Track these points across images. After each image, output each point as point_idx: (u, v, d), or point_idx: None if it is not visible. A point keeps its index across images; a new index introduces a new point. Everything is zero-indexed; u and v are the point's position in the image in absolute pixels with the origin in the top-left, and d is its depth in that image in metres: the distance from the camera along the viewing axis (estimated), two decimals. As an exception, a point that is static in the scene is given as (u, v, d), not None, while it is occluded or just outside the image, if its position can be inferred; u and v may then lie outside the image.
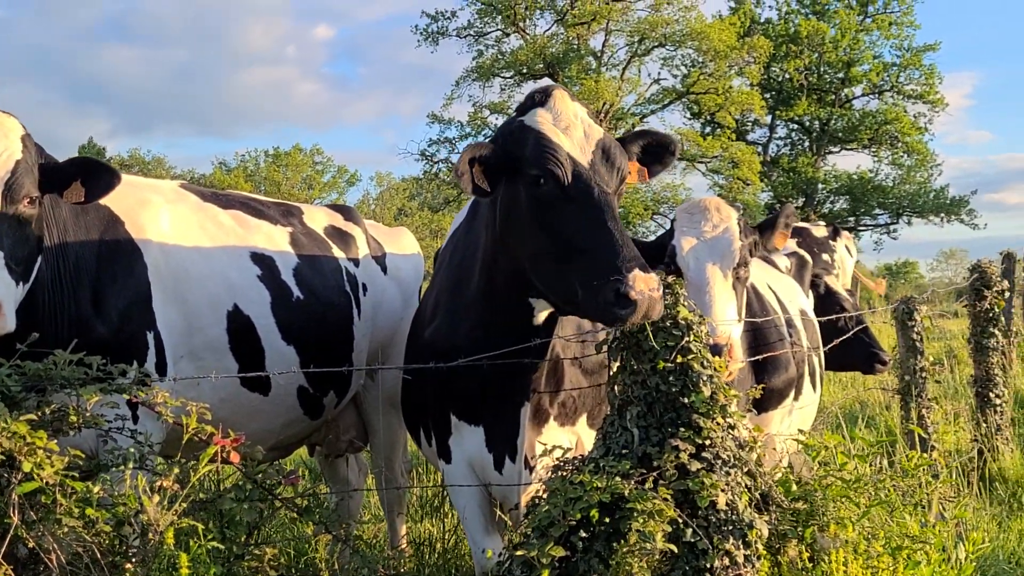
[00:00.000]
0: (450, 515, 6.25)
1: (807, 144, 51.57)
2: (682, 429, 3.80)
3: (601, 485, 3.66)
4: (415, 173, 62.82)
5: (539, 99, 4.03)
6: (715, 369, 3.88)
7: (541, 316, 4.13)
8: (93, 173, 4.33)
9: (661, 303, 3.60)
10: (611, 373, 4.02)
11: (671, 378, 3.84)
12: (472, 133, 45.89)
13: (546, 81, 45.08)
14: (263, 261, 5.20)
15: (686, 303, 3.93)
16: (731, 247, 4.97)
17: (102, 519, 3.66)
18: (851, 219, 51.33)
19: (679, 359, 3.83)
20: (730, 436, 3.84)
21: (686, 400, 3.81)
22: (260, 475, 3.98)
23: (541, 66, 44.41)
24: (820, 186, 49.96)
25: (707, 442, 3.77)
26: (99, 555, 3.69)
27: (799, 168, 48.94)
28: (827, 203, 51.28)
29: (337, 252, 5.74)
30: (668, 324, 3.86)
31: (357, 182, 74.66)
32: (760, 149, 49.79)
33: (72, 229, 4.51)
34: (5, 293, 3.92)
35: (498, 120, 45.82)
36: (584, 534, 3.72)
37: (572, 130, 3.90)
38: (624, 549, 3.68)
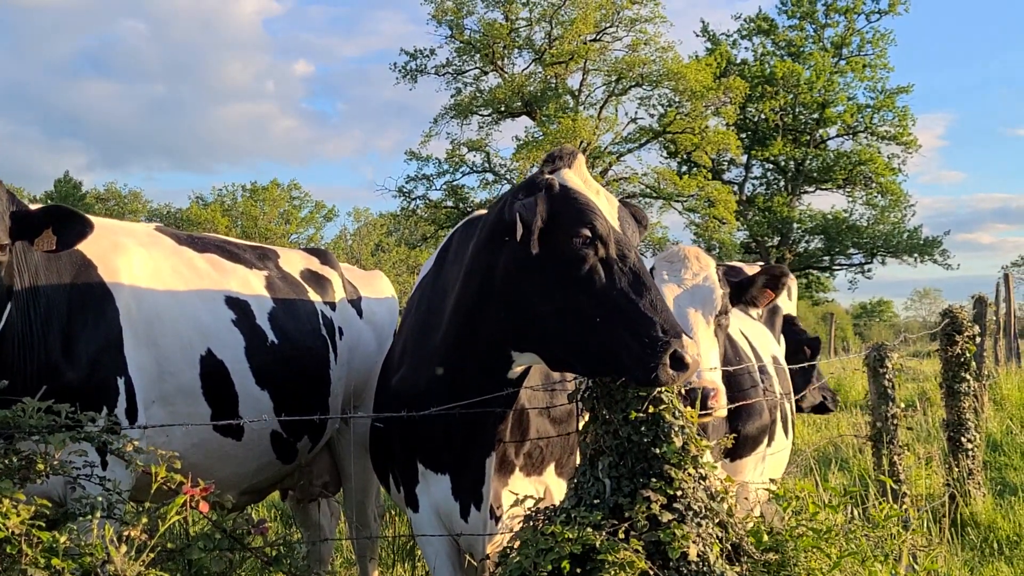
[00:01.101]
0: (421, 562, 6.21)
1: (782, 184, 51.96)
2: (653, 480, 3.80)
3: (572, 536, 3.65)
4: (393, 209, 63.00)
5: (563, 159, 3.99)
6: (687, 419, 3.89)
7: (518, 369, 4.14)
8: (66, 221, 4.30)
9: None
10: (583, 423, 4.03)
11: (643, 428, 3.84)
12: (449, 170, 46.02)
13: (523, 119, 45.35)
14: (238, 305, 5.18)
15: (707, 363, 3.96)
16: (712, 295, 5.01)
17: (68, 569, 3.62)
18: (826, 258, 51.71)
19: (651, 409, 3.84)
20: (701, 487, 3.84)
21: (657, 451, 3.81)
22: (229, 524, 3.95)
23: (519, 104, 44.66)
24: (795, 225, 50.30)
25: (678, 493, 3.77)
26: (65, 606, 3.65)
27: (774, 207, 49.27)
28: (802, 242, 51.62)
29: (313, 296, 5.74)
30: (640, 374, 3.87)
31: (335, 217, 74.58)
32: (736, 188, 50.10)
33: (43, 273, 4.48)
34: None
35: (475, 157, 46.02)
36: (555, 584, 3.72)
37: (599, 195, 3.92)
38: (597, 601, 3.66)
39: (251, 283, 5.37)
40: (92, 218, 4.97)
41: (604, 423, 3.94)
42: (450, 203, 46.65)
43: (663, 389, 3.84)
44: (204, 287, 5.08)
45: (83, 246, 4.63)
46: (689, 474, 3.81)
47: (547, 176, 3.89)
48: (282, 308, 5.40)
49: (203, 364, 4.89)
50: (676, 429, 3.84)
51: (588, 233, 3.77)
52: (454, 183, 46.50)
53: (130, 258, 4.84)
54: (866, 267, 51.52)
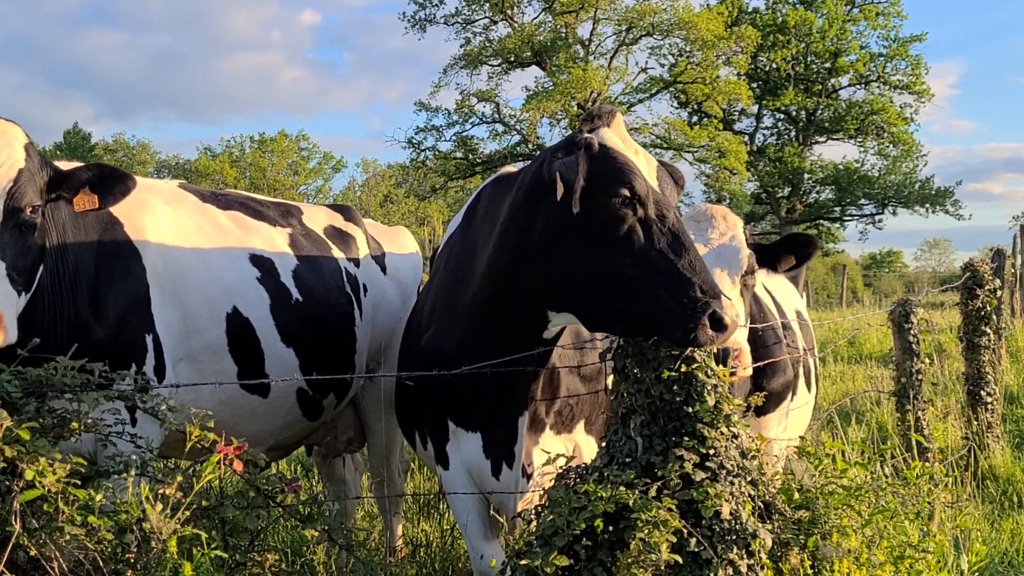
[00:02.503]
0: (446, 516, 6.25)
1: (793, 134, 51.69)
2: (686, 439, 3.79)
3: (606, 495, 3.65)
4: (401, 160, 62.81)
5: (603, 119, 3.94)
6: (719, 378, 3.88)
7: (554, 329, 4.14)
8: (106, 179, 4.29)
9: None
10: (614, 382, 4.02)
11: (675, 387, 3.83)
12: (459, 121, 45.81)
13: (533, 69, 45.00)
14: (262, 263, 5.17)
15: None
16: (739, 255, 4.99)
17: (104, 527, 3.65)
18: (836, 209, 51.55)
19: (683, 368, 3.83)
20: (733, 445, 3.84)
21: (690, 410, 3.80)
22: (262, 482, 3.97)
23: (529, 54, 44.35)
24: (806, 176, 50.12)
25: (711, 452, 3.77)
26: (101, 563, 3.69)
27: (785, 158, 49.05)
28: (813, 193, 51.46)
29: (337, 253, 5.72)
30: (673, 333, 3.86)
31: (343, 169, 74.75)
32: (747, 139, 49.89)
33: (71, 231, 4.47)
34: (6, 305, 3.88)
35: (485, 108, 45.80)
36: (587, 543, 3.73)
37: (638, 155, 3.89)
38: (628, 559, 3.69)
39: (275, 240, 5.36)
40: None
41: (635, 382, 3.92)
42: (459, 154, 46.52)
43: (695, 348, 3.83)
44: (229, 245, 5.07)
45: None
46: (722, 433, 3.80)
47: (587, 135, 3.84)
48: (306, 265, 5.39)
49: (229, 322, 4.89)
50: (709, 388, 3.83)
51: (627, 193, 3.73)
52: (464, 134, 46.34)
53: (155, 215, 4.82)
54: (877, 218, 51.37)
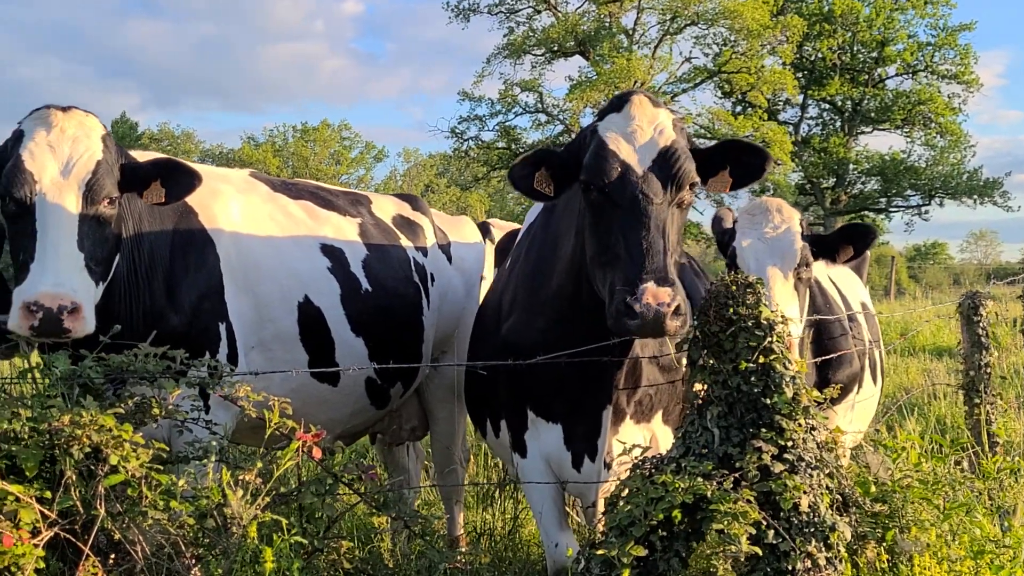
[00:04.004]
0: (510, 505, 6.27)
1: (839, 124, 51.10)
2: (764, 430, 3.79)
3: (684, 486, 3.65)
4: (443, 149, 62.88)
5: (615, 104, 4.04)
6: (797, 370, 3.86)
7: None
8: (174, 174, 4.34)
9: (675, 318, 3.60)
10: (691, 373, 4.01)
11: (753, 379, 3.83)
12: (502, 110, 45.74)
13: (576, 59, 44.84)
14: (332, 253, 5.21)
15: (767, 303, 3.91)
16: (792, 247, 4.95)
17: (186, 512, 3.70)
18: (882, 200, 50.96)
19: (761, 360, 3.82)
20: (812, 437, 3.82)
21: (768, 401, 3.79)
22: (339, 469, 4.00)
23: (572, 44, 44.16)
24: (851, 167, 49.55)
25: (789, 443, 3.76)
26: (182, 547, 3.74)
27: (830, 148, 48.51)
28: (858, 184, 50.91)
29: (405, 242, 5.75)
30: (750, 324, 3.85)
31: (384, 158, 74.76)
32: (791, 129, 49.38)
33: (147, 221, 4.52)
34: (85, 296, 3.91)
35: (528, 98, 45.71)
36: (663, 533, 3.73)
37: (637, 136, 3.89)
38: (707, 550, 3.69)
39: (345, 230, 5.39)
40: (191, 164, 5.03)
41: (712, 373, 3.92)
42: (502, 144, 46.46)
43: (774, 339, 3.82)
44: (300, 234, 5.11)
45: None
46: (800, 424, 3.79)
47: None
48: (375, 255, 5.42)
49: (300, 311, 4.93)
50: (787, 379, 3.82)
51: (586, 178, 3.91)
52: (507, 124, 46.25)
53: (228, 205, 4.87)
54: (924, 209, 50.73)
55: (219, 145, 69.50)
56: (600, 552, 3.71)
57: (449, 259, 6.04)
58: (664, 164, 3.86)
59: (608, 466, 4.40)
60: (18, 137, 4.12)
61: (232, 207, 4.88)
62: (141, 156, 4.47)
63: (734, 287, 3.92)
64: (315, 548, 3.89)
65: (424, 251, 5.85)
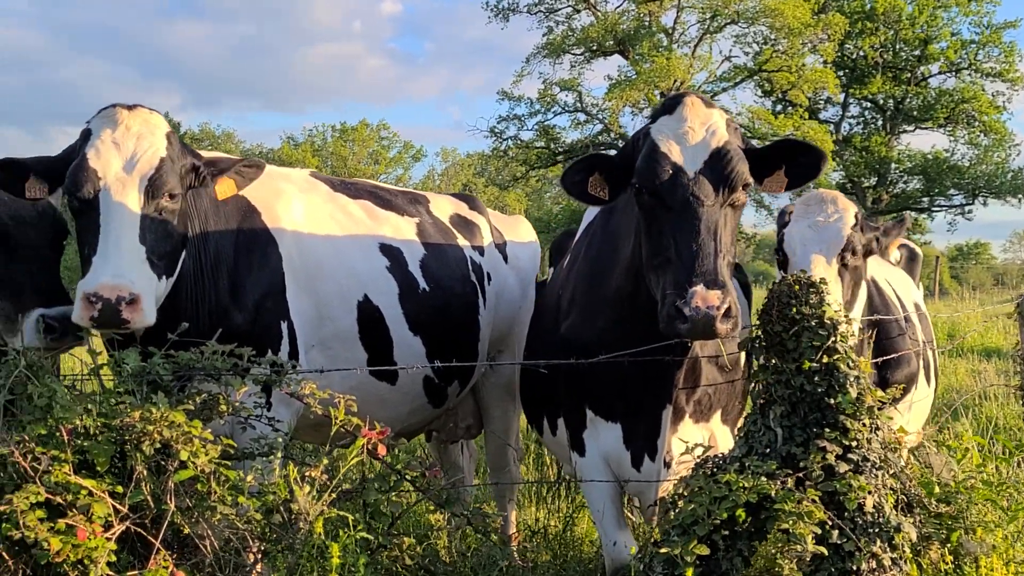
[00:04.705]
0: (564, 504, 6.28)
1: (881, 123, 50.60)
2: (827, 430, 3.79)
3: (748, 485, 3.66)
4: (481, 149, 62.95)
5: (667, 106, 4.05)
6: (861, 370, 3.85)
7: None
8: (245, 167, 4.43)
9: (726, 321, 3.60)
10: (753, 372, 4.01)
11: (816, 378, 3.83)
12: (541, 110, 45.70)
13: (615, 58, 44.74)
14: (391, 252, 5.26)
15: (831, 302, 3.90)
16: (838, 234, 4.93)
17: (253, 507, 3.75)
18: (924, 199, 50.42)
19: (825, 359, 3.82)
20: (876, 438, 3.82)
21: (832, 401, 3.79)
22: (402, 466, 4.04)
23: (612, 43, 44.04)
24: (893, 166, 49.07)
25: (854, 443, 3.76)
26: (250, 542, 3.79)
27: (872, 147, 48.06)
28: (900, 183, 50.41)
29: (463, 241, 5.80)
30: (813, 324, 3.85)
31: (423, 158, 74.98)
32: (832, 128, 48.93)
33: (212, 219, 4.58)
34: (145, 288, 3.95)
35: (567, 97, 45.66)
36: (726, 532, 3.74)
37: (689, 137, 3.90)
38: (771, 549, 3.69)
39: (403, 230, 5.44)
40: None
41: (775, 372, 3.92)
42: (541, 143, 46.44)
43: (838, 338, 3.81)
44: (359, 234, 5.17)
45: (247, 192, 4.72)
46: (864, 424, 3.79)
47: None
48: (433, 255, 5.47)
49: (360, 310, 4.99)
50: (851, 379, 3.81)
51: (637, 181, 3.94)
52: (546, 123, 46.20)
53: (291, 204, 4.93)
54: (967, 208, 50.16)
55: (259, 145, 70.03)
56: (663, 551, 3.72)
57: (505, 258, 6.07)
58: (716, 165, 3.86)
59: (668, 465, 4.40)
60: (86, 136, 4.20)
61: (294, 207, 4.94)
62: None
63: (797, 286, 3.93)
64: (379, 544, 3.93)
65: (481, 250, 5.89)
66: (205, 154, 4.51)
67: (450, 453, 6.52)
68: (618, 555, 4.50)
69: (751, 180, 3.97)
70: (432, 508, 4.73)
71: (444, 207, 5.96)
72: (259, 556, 3.81)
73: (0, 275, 4.26)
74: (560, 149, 46.15)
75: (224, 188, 4.41)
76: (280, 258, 4.74)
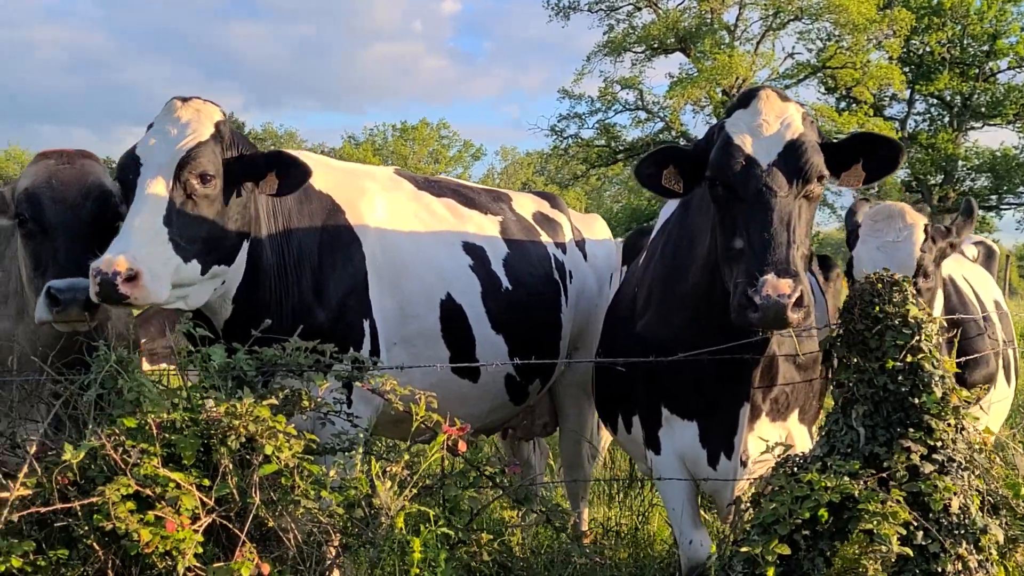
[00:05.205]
0: (636, 502, 6.27)
1: (947, 120, 49.73)
2: (911, 430, 3.75)
3: (830, 484, 3.63)
4: (540, 148, 62.94)
5: (742, 100, 4.07)
6: (946, 369, 3.81)
7: None
8: (284, 167, 4.38)
9: (797, 310, 3.58)
10: (835, 371, 3.98)
11: (900, 378, 3.79)
12: (602, 108, 45.56)
13: (677, 56, 44.49)
14: (474, 251, 5.29)
15: (916, 301, 3.86)
16: (910, 258, 4.86)
17: (335, 501, 3.79)
18: (992, 197, 49.49)
19: (909, 358, 3.78)
20: (962, 438, 3.77)
21: (916, 400, 3.75)
22: (482, 462, 4.07)
23: (673, 41, 43.78)
24: (960, 163, 48.21)
25: (939, 444, 3.72)
26: (332, 536, 3.83)
27: (938, 144, 47.24)
28: (967, 181, 49.52)
29: (546, 239, 5.82)
30: (897, 323, 3.81)
31: (482, 156, 75.28)
32: (898, 125, 48.19)
33: (295, 217, 4.64)
34: (152, 266, 3.93)
35: (628, 95, 45.49)
36: (807, 532, 3.71)
37: (763, 130, 3.90)
38: (855, 549, 3.66)
39: (486, 228, 5.47)
40: (337, 162, 5.14)
41: (857, 371, 3.89)
42: (602, 142, 46.31)
43: (922, 338, 3.77)
44: (443, 232, 5.20)
45: (331, 190, 4.79)
46: (949, 424, 3.75)
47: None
48: (517, 253, 5.50)
49: (443, 308, 5.02)
50: (936, 379, 3.77)
51: (711, 174, 3.96)
52: (606, 121, 46.05)
53: (374, 203, 4.98)
54: (1037, 206, 49.16)
55: (321, 144, 70.67)
56: (744, 550, 3.71)
57: (584, 256, 6.08)
58: (790, 157, 3.86)
59: (744, 464, 4.38)
60: (149, 128, 4.33)
61: (378, 205, 4.99)
62: None
63: (880, 285, 3.90)
64: (459, 540, 3.96)
65: (563, 248, 5.91)
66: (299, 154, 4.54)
67: (520, 449, 6.53)
68: (694, 554, 4.49)
69: (826, 173, 3.96)
70: (505, 504, 4.75)
71: (527, 205, 5.99)
72: (340, 550, 3.85)
73: (36, 253, 4.31)
74: (621, 147, 45.99)
75: (268, 186, 4.39)
76: (363, 257, 4.79)
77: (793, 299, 3.55)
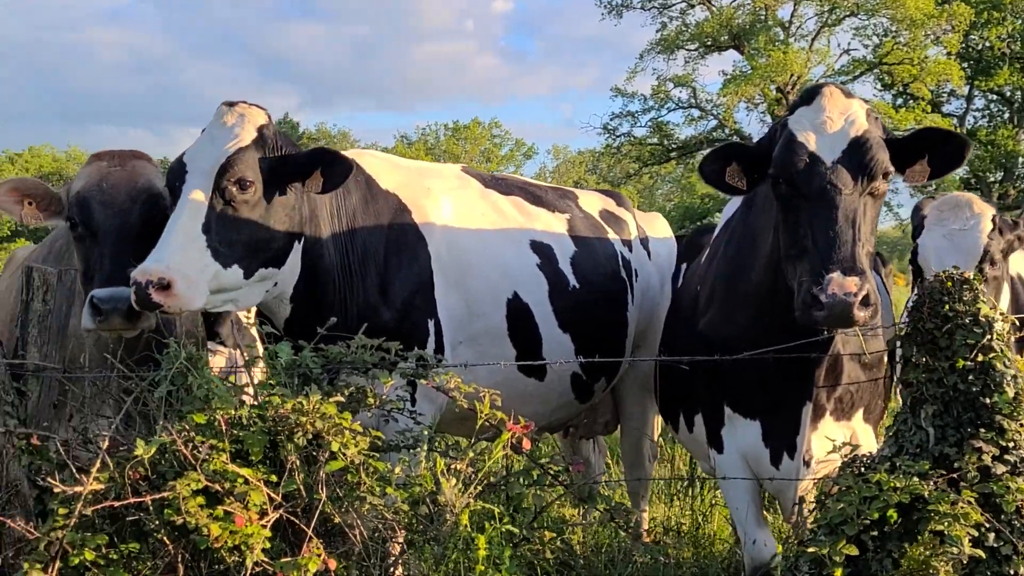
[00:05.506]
0: (694, 502, 6.25)
1: (1007, 116, 48.89)
2: (983, 430, 3.69)
3: (900, 485, 3.59)
4: (592, 146, 62.81)
5: (806, 97, 4.04)
6: (1018, 369, 3.75)
7: None
8: (327, 164, 4.39)
9: (864, 308, 3.55)
10: (903, 370, 3.93)
11: (971, 377, 3.74)
12: (655, 106, 45.35)
13: (730, 53, 44.20)
14: (542, 250, 5.30)
15: (987, 300, 3.80)
16: (976, 245, 4.82)
17: (400, 498, 3.82)
18: (1054, 195, 48.64)
19: (980, 358, 3.72)
20: (1034, 439, 3.70)
21: (988, 400, 3.70)
22: (546, 461, 4.07)
23: (726, 38, 43.46)
24: (1021, 160, 47.38)
25: (1011, 444, 3.66)
26: (397, 532, 3.86)
27: (998, 141, 46.42)
28: (1028, 178, 48.67)
29: (613, 236, 5.81)
30: (967, 321, 3.76)
31: (534, 155, 75.30)
32: (956, 121, 47.45)
33: (361, 216, 4.67)
34: (187, 274, 3.99)
35: (681, 93, 45.23)
36: (875, 533, 3.67)
37: (827, 127, 3.87)
38: (924, 551, 3.61)
39: (554, 226, 5.48)
40: (405, 161, 5.17)
41: (927, 370, 3.84)
42: (654, 140, 46.09)
43: (994, 337, 3.72)
44: (510, 231, 5.21)
45: (398, 190, 4.82)
46: (1022, 425, 3.68)
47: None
48: (584, 251, 5.50)
49: (509, 307, 5.04)
50: (1008, 378, 3.71)
51: (775, 171, 3.94)
52: (659, 120, 45.83)
53: (440, 202, 5.00)
54: (1099, 203, 48.17)
55: (373, 144, 71.08)
56: (811, 550, 3.67)
57: (648, 254, 6.07)
58: (855, 154, 3.83)
59: (807, 464, 4.35)
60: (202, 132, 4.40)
61: (444, 204, 5.01)
62: None
63: (949, 283, 3.84)
64: (523, 537, 3.97)
65: (629, 246, 5.91)
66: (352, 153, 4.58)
67: (580, 447, 6.53)
68: (758, 553, 4.47)
69: (892, 169, 3.92)
70: (565, 502, 4.76)
71: (593, 202, 5.99)
72: (405, 546, 3.88)
73: (86, 257, 4.37)
74: (673, 146, 45.76)
75: (313, 184, 4.41)
76: (429, 256, 4.82)
77: (859, 297, 3.53)
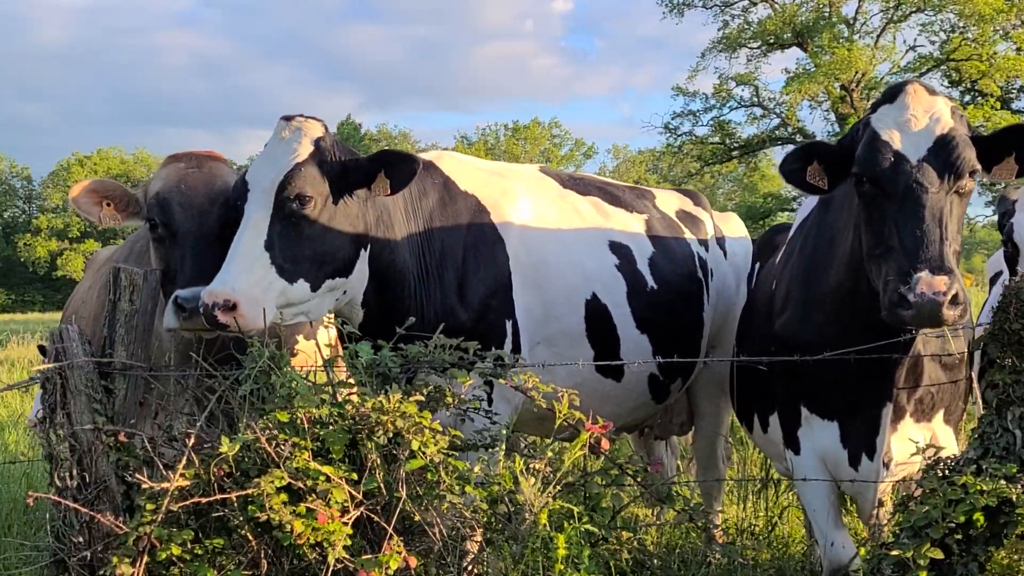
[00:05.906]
0: (769, 503, 6.19)
1: (1080, 112, 47.83)
2: (1072, 433, 3.63)
3: (986, 488, 3.53)
4: (652, 146, 62.57)
5: (888, 95, 3.99)
6: (1108, 371, 3.68)
7: None
8: (390, 165, 4.38)
9: (953, 308, 3.49)
10: (988, 371, 3.88)
11: (1058, 378, 3.67)
12: (716, 105, 45.03)
13: (793, 51, 43.74)
14: (620, 250, 5.29)
15: (1074, 299, 3.74)
16: None
17: (479, 497, 3.84)
18: None
19: (1068, 359, 3.66)
20: (1124, 442, 3.63)
21: (1077, 403, 3.63)
22: (624, 461, 4.08)
23: (789, 35, 43.03)
24: (1093, 156, 46.30)
25: (1100, 447, 3.59)
26: (475, 531, 3.88)
27: (1069, 138, 45.46)
28: (1101, 175, 47.52)
29: (690, 236, 5.79)
30: (1056, 321, 3.69)
31: (594, 155, 75.24)
32: (1026, 118, 46.58)
33: (438, 217, 4.70)
34: (252, 294, 4.05)
35: (743, 92, 44.88)
36: (959, 537, 3.62)
37: (911, 125, 3.82)
38: (1011, 555, 3.56)
39: (631, 226, 5.47)
40: (483, 162, 5.19)
41: (1012, 372, 3.78)
42: (716, 139, 45.79)
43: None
44: (588, 231, 5.21)
45: (476, 191, 4.84)
46: (1112, 428, 3.61)
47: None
48: (661, 251, 5.48)
49: (587, 308, 5.04)
50: (1098, 380, 3.64)
51: (858, 170, 3.88)
52: (721, 118, 45.52)
53: (519, 203, 5.01)
54: None
55: (434, 144, 71.54)
56: (894, 553, 3.63)
57: (724, 254, 6.05)
58: (940, 152, 3.78)
59: (887, 465, 4.30)
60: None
61: (522, 205, 5.02)
62: None
63: (1036, 283, 3.78)
64: (601, 537, 3.98)
65: (706, 246, 5.88)
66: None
67: (652, 448, 6.51)
68: (836, 556, 4.42)
69: (978, 167, 3.86)
70: (639, 502, 4.76)
71: (670, 202, 5.97)
72: (484, 545, 3.90)
73: (166, 258, 4.44)
74: (735, 144, 45.45)
75: (380, 187, 4.41)
76: (507, 257, 4.83)
77: (949, 296, 3.48)
